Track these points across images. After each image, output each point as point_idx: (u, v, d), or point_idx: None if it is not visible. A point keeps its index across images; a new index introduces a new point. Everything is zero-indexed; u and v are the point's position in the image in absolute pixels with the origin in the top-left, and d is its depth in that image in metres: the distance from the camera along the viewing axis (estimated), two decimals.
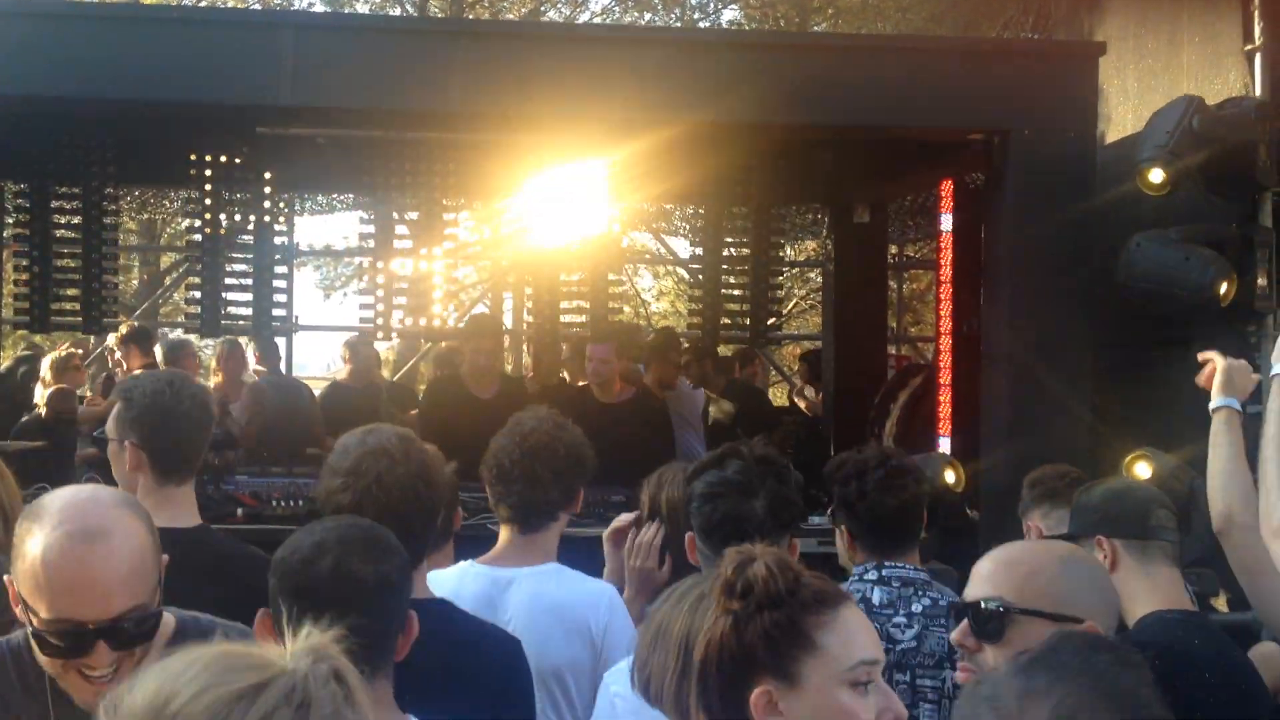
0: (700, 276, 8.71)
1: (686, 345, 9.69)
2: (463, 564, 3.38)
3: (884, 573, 3.25)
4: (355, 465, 2.72)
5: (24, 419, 8.47)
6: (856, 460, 3.40)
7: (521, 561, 3.32)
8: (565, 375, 9.39)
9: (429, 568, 3.53)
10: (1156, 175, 5.70)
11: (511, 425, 3.45)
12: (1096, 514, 3.01)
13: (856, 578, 3.27)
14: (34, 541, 2.10)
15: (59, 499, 2.19)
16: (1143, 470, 5.69)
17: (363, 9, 22.23)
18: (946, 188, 7.32)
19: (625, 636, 3.15)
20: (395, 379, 13.13)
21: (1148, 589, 2.89)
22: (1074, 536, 3.02)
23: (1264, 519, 2.69)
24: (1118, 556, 2.92)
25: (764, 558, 1.90)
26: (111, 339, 9.09)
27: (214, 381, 9.21)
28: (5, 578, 2.20)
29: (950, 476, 5.73)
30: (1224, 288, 5.64)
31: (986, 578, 2.38)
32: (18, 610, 2.18)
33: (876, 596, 3.20)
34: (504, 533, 3.41)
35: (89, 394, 9.38)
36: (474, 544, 3.73)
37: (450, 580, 3.31)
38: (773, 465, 2.90)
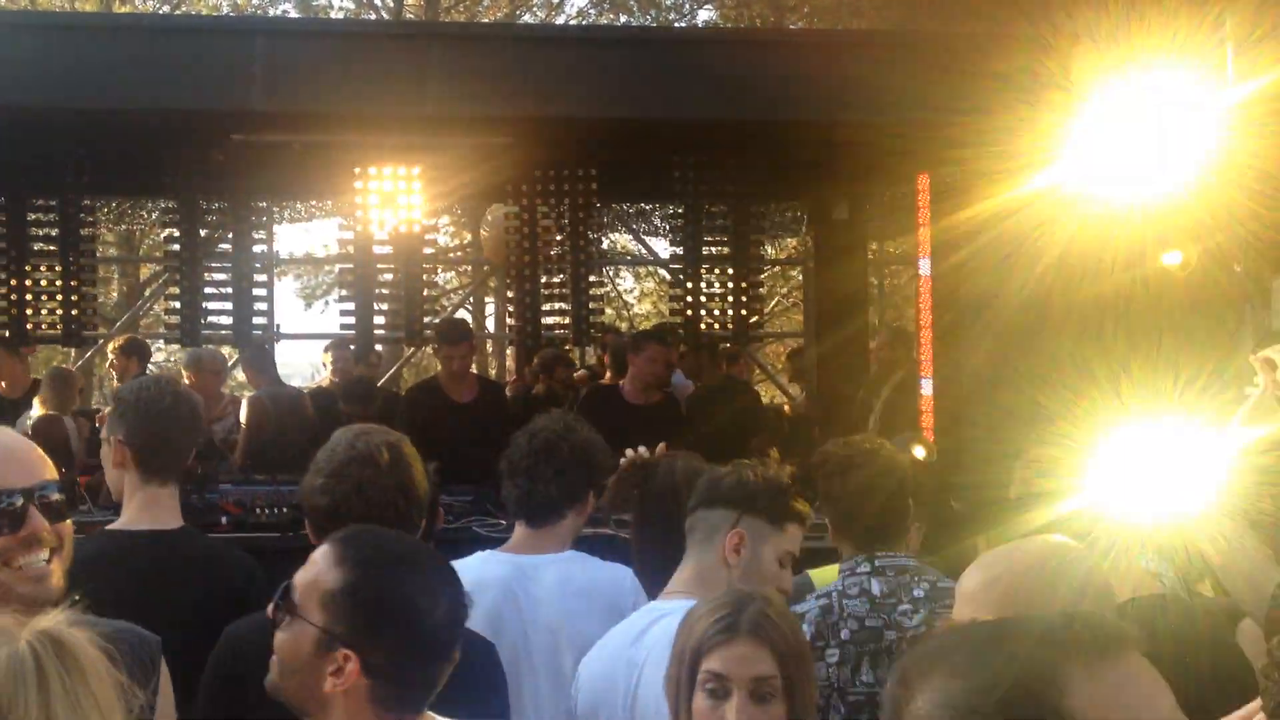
0: (680, 276, 8.72)
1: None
2: (483, 553, 3.51)
3: (878, 563, 3.27)
4: (339, 469, 2.74)
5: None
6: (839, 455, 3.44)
7: (539, 550, 3.44)
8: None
9: None
10: None
11: (527, 425, 3.59)
12: None
13: (849, 571, 3.28)
14: None
15: None
16: None
17: (337, 14, 22.23)
18: (923, 181, 7.33)
19: None
20: (379, 384, 13.11)
21: None
22: None
23: None
24: None
25: None
26: (110, 351, 9.08)
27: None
28: None
29: (920, 451, 5.73)
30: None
31: (969, 598, 2.22)
32: None
33: (876, 588, 3.21)
34: (517, 527, 3.54)
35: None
36: (458, 547, 3.76)
37: (473, 567, 3.41)
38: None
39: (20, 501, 2.20)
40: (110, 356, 9.06)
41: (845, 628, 3.14)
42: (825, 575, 3.50)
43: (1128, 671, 1.17)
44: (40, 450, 2.34)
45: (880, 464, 3.39)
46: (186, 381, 8.89)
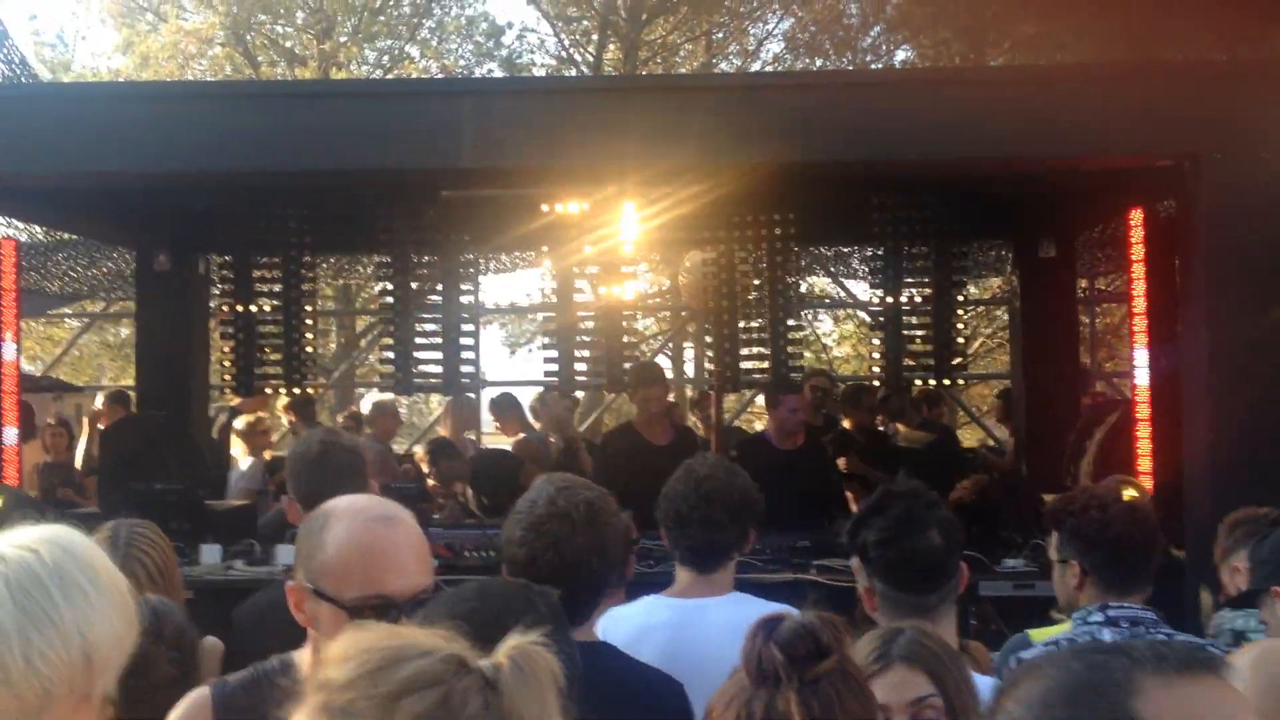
0: (881, 319, 8.62)
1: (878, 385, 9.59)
2: (647, 598, 3.52)
3: (1110, 613, 3.10)
4: (537, 524, 2.81)
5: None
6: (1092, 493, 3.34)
7: (705, 594, 3.45)
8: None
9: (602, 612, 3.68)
10: None
11: (684, 471, 3.58)
12: (1271, 564, 2.85)
13: (1080, 621, 3.13)
14: (334, 531, 2.23)
15: (343, 501, 2.33)
16: None
17: (540, 72, 22.87)
18: (1136, 217, 7.08)
19: None
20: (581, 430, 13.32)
21: None
22: (1257, 592, 2.87)
23: None
24: None
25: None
26: (280, 407, 9.60)
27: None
28: (288, 585, 2.30)
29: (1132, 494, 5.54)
30: None
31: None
32: (300, 614, 2.26)
33: (1107, 638, 3.07)
34: (682, 573, 3.54)
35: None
36: (657, 591, 3.78)
37: (637, 612, 3.46)
38: (927, 497, 2.90)
39: (395, 608, 2.15)
40: (281, 415, 9.58)
41: None
42: (1048, 636, 3.37)
43: (1207, 689, 1.19)
44: (420, 555, 2.25)
45: (1136, 513, 3.26)
46: (368, 430, 9.32)
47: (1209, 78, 6.71)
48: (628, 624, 3.41)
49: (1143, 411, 6.79)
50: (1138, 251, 7.04)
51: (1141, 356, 6.89)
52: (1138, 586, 3.18)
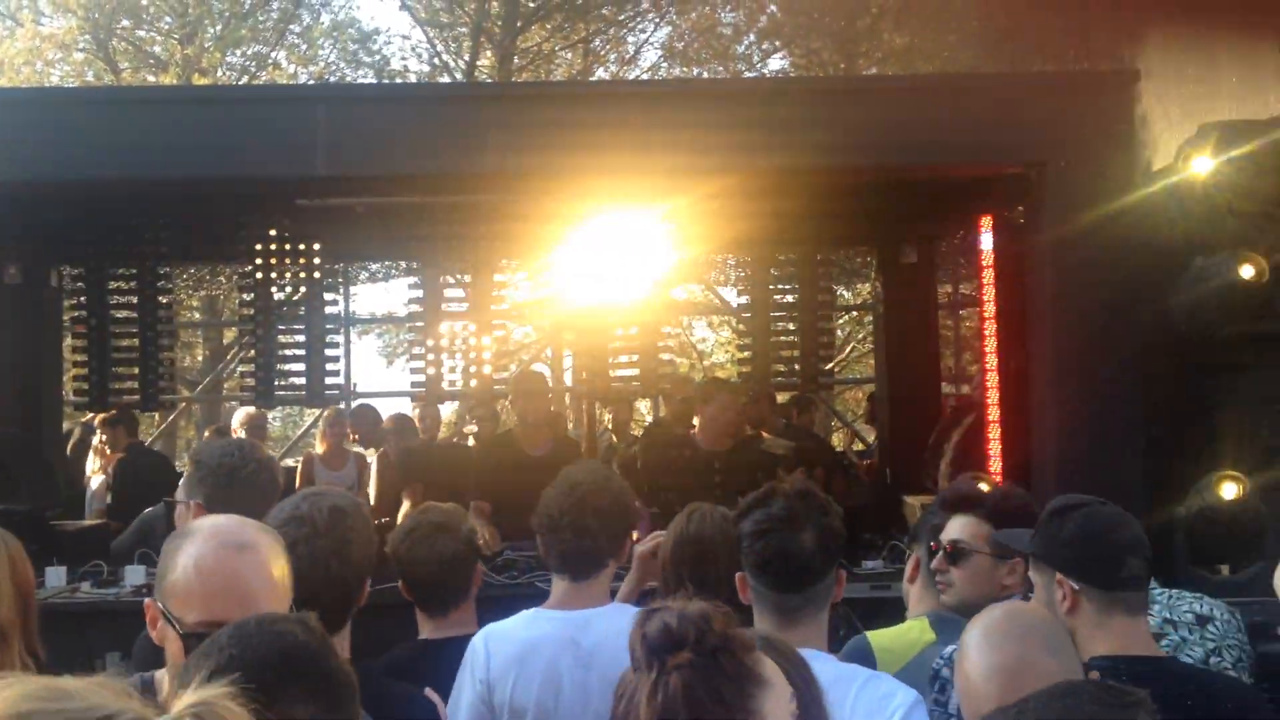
0: (748, 325, 8.69)
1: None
2: (525, 612, 3.47)
3: None
4: (279, 528, 2.78)
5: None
6: None
7: (585, 604, 3.42)
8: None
9: (452, 623, 3.66)
10: (1202, 164, 5.78)
11: (561, 477, 3.58)
12: (1066, 551, 2.93)
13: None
14: (186, 553, 2.20)
15: (208, 521, 2.32)
16: (1229, 490, 5.71)
17: (413, 79, 22.65)
18: (986, 223, 7.25)
19: None
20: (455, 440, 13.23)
21: (1101, 635, 2.83)
22: (1032, 556, 2.98)
23: None
24: (1077, 602, 2.86)
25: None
26: (96, 422, 9.13)
27: (321, 449, 9.15)
28: (146, 601, 2.26)
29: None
30: (1246, 270, 5.61)
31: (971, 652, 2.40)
32: (154, 632, 2.22)
33: None
34: (558, 582, 3.50)
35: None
36: (525, 603, 3.75)
37: (520, 626, 3.41)
38: (815, 499, 2.92)
39: None
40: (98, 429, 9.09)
41: None
42: (885, 638, 3.41)
43: None
44: (270, 585, 2.18)
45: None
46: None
47: (1056, 89, 6.91)
48: (512, 640, 3.37)
49: (993, 413, 6.95)
50: (988, 257, 7.21)
51: (992, 359, 7.06)
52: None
